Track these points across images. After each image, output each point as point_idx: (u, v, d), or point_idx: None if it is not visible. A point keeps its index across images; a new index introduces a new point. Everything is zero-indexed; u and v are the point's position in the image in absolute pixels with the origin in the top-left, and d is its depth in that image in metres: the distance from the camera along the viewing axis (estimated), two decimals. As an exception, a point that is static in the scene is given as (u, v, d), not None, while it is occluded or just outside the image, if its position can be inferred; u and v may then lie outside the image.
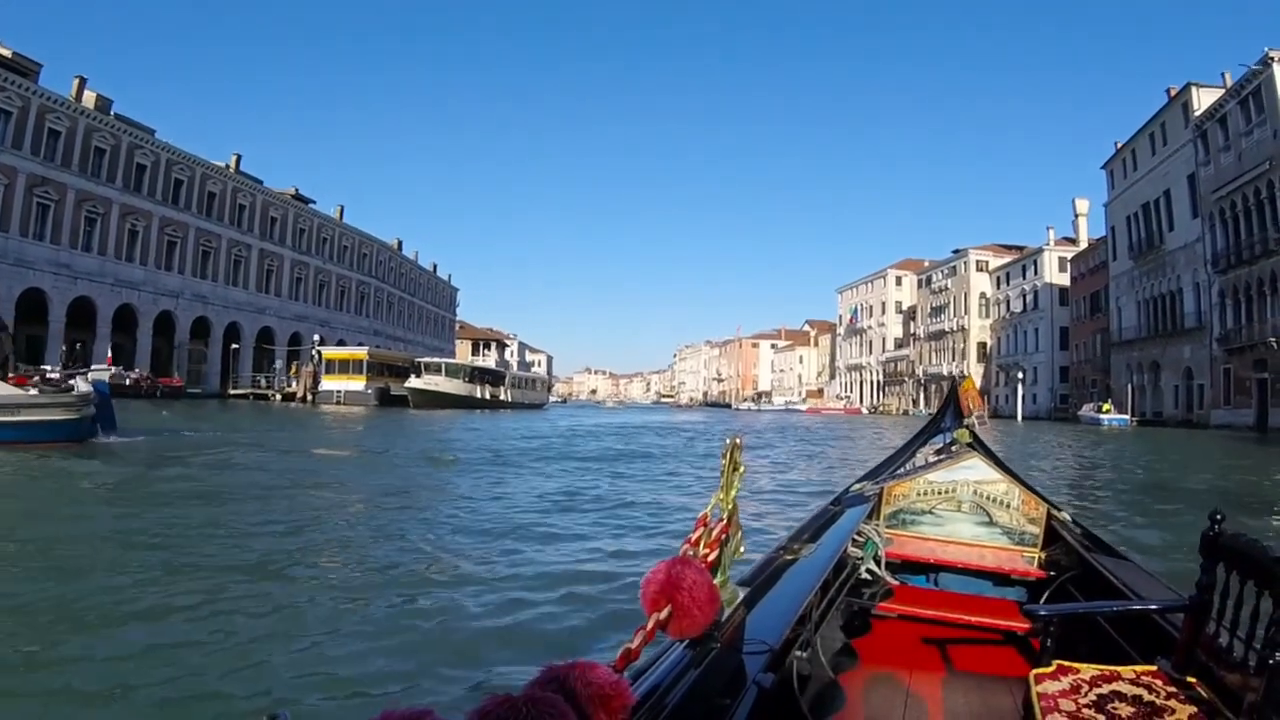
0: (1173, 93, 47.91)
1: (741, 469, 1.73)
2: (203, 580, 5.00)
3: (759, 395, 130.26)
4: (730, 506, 1.70)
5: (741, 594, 1.88)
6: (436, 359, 57.48)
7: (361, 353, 53.51)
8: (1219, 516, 2.03)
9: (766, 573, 2.67)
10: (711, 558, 1.60)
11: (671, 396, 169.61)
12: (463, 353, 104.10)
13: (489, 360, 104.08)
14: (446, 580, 5.34)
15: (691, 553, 1.56)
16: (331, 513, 7.98)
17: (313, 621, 4.30)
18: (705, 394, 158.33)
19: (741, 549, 1.80)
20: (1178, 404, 45.90)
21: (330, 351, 54.11)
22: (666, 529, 7.50)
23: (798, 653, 2.26)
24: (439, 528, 7.25)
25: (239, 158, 57.25)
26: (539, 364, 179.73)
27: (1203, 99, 44.33)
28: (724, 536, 1.66)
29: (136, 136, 47.61)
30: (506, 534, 7.01)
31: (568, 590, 5.02)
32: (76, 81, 44.80)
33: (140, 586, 4.81)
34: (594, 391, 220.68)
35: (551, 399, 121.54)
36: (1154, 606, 2.38)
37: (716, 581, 1.56)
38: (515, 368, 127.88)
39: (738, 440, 1.74)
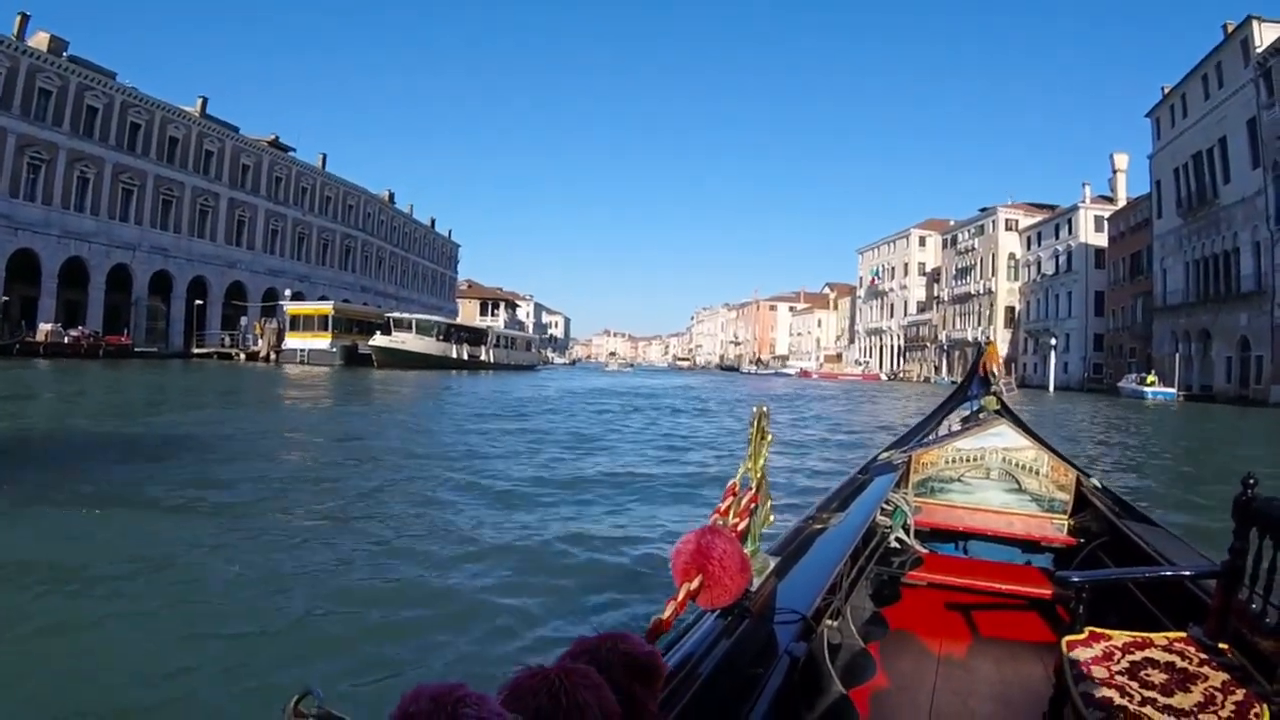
0: (1230, 29, 42.44)
1: (769, 437, 1.75)
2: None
3: (758, 360, 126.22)
4: (759, 475, 1.73)
5: (772, 563, 1.90)
6: (406, 314, 53.34)
7: (326, 308, 49.55)
8: (1252, 480, 1.98)
9: (796, 542, 2.68)
10: (741, 527, 1.62)
11: (687, 360, 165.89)
12: (469, 312, 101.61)
13: (498, 321, 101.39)
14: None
15: (721, 522, 1.57)
16: None
17: (341, 600, 4.26)
18: (722, 357, 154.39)
19: (771, 518, 1.84)
20: (1230, 377, 40.96)
21: (294, 307, 50.33)
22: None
23: (828, 622, 2.26)
24: None
25: (205, 101, 53.16)
26: (556, 325, 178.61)
27: (1265, 34, 39.09)
28: (753, 505, 1.68)
29: (87, 78, 43.75)
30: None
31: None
32: (19, 19, 41.04)
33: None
34: (613, 353, 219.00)
35: (558, 360, 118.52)
36: (1186, 573, 2.35)
37: (747, 550, 1.57)
38: (531, 328, 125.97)
39: (764, 409, 1.75)
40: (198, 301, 50.78)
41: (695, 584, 1.33)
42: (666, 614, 1.24)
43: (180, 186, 50.19)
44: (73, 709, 2.97)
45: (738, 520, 1.59)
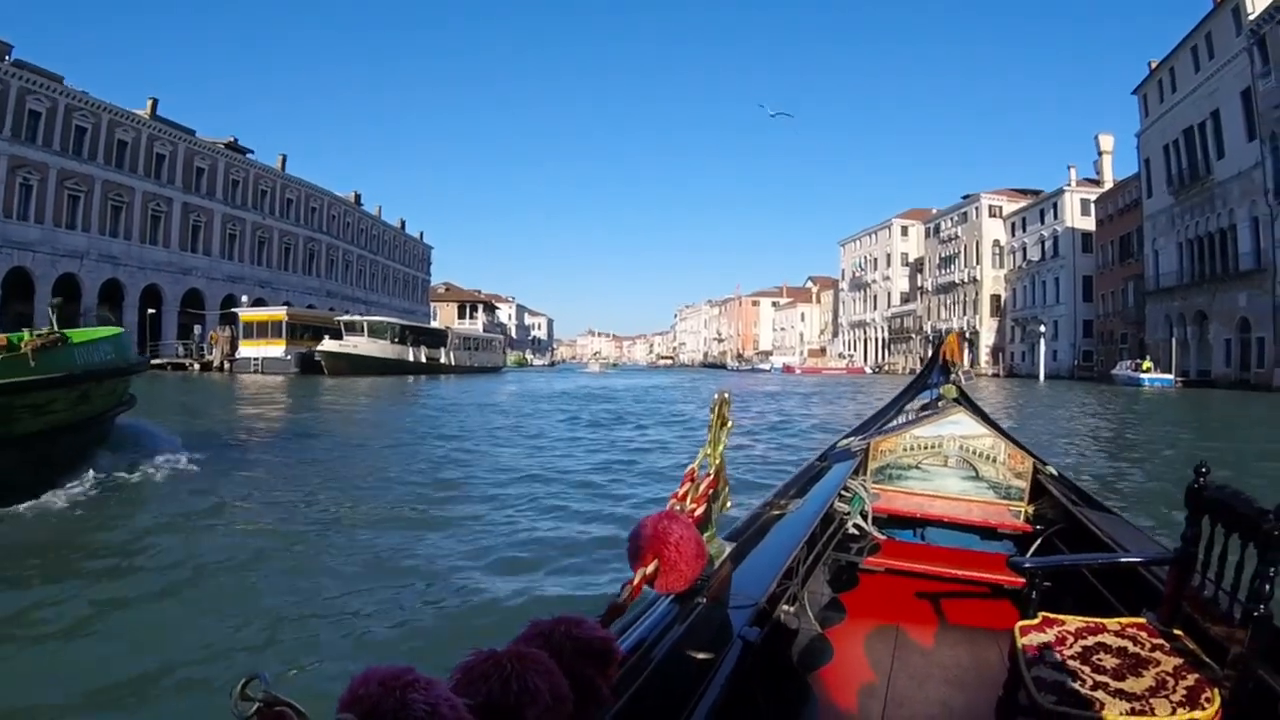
0: (1219, -3, 40.99)
1: (729, 424, 1.75)
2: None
3: (739, 356, 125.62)
4: (718, 461, 1.72)
5: (728, 548, 1.92)
6: (357, 317, 50.99)
7: (279, 313, 47.33)
8: (1204, 469, 1.98)
9: (753, 528, 2.65)
10: (699, 512, 1.62)
11: (670, 358, 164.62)
12: (448, 315, 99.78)
13: (477, 323, 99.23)
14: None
15: (679, 507, 1.58)
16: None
17: (291, 586, 4.49)
18: (705, 354, 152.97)
19: (728, 504, 1.84)
20: (1230, 361, 39.37)
21: (247, 314, 48.10)
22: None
23: (784, 607, 2.28)
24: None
25: (155, 102, 50.55)
26: (539, 326, 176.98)
27: (1257, 0, 37.51)
28: (711, 491, 1.68)
29: (30, 81, 41.25)
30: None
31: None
32: (-48, 23, 38.68)
33: None
34: (596, 353, 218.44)
35: (538, 361, 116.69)
36: (1139, 559, 2.38)
37: (704, 536, 1.56)
38: (513, 330, 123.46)
39: (725, 395, 1.77)
40: (150, 311, 48.24)
41: (651, 568, 1.33)
42: (621, 598, 1.23)
43: (130, 191, 47.66)
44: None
45: (695, 505, 1.58)
